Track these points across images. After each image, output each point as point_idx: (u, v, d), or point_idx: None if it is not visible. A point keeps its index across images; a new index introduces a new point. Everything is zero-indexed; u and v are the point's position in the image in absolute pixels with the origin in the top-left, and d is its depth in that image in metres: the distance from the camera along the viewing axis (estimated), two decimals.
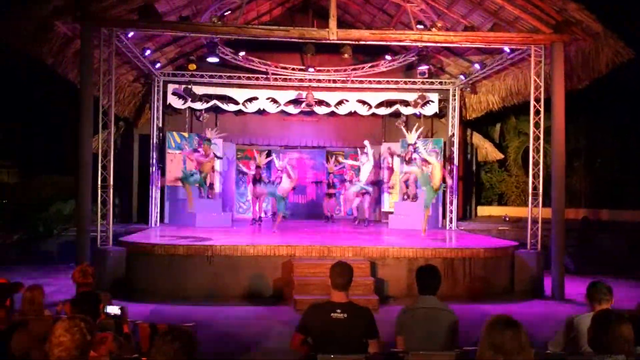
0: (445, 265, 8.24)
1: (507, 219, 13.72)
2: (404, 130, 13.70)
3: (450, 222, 12.80)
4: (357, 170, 12.93)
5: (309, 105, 13.26)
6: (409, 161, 13.03)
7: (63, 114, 14.88)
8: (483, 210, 15.43)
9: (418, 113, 13.55)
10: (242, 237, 9.97)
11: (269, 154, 14.14)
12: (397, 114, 13.99)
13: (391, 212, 13.28)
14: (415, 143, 13.37)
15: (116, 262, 8.33)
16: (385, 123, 14.75)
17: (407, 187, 13.06)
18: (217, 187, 13.17)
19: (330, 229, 12.35)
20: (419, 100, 13.18)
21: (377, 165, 13.78)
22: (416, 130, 13.29)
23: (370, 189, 12.63)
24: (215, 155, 12.11)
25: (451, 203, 12.71)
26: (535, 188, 9.42)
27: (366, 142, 12.83)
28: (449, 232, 11.85)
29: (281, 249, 8.30)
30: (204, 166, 11.26)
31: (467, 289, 8.36)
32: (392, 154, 13.76)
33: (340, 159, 14.28)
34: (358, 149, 13.32)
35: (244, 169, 14.01)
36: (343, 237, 10.31)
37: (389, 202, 14.15)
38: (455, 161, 13.06)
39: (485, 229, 12.64)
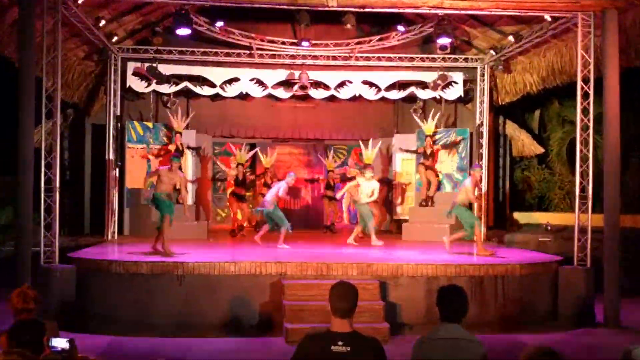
0: (472, 285, 8.25)
1: (549, 227, 13.72)
2: (417, 119, 13.77)
3: None
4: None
5: (303, 88, 13.33)
6: (429, 155, 13.05)
7: None
8: (519, 217, 15.45)
9: (438, 97, 13.66)
10: (220, 251, 10.03)
11: (252, 148, 14.14)
12: (412, 99, 14.06)
13: (405, 220, 13.36)
14: (435, 134, 13.43)
15: (64, 283, 8.32)
16: (397, 110, 14.78)
17: (428, 184, 13.07)
18: (190, 190, 13.18)
19: (330, 241, 12.36)
20: (439, 82, 13.25)
21: (384, 177, 13.83)
22: (433, 117, 13.34)
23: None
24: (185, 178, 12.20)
25: (479, 209, 12.76)
26: (583, 189, 9.43)
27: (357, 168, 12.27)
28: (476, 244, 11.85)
29: (269, 266, 8.31)
30: (163, 181, 10.11)
31: (499, 315, 8.37)
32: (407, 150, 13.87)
33: (333, 161, 14.30)
34: (354, 160, 13.32)
35: (224, 168, 14.07)
36: (346, 251, 10.33)
37: (401, 207, 14.21)
38: (485, 156, 13.13)
39: (521, 240, 12.69)
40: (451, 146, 13.56)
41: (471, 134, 13.56)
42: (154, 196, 9.61)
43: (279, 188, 10.81)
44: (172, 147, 12.99)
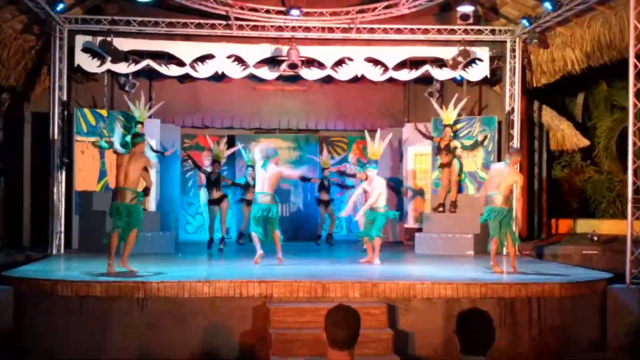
0: (501, 309, 8.26)
1: (596, 238, 13.77)
2: (435, 105, 13.78)
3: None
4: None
5: (292, 66, 13.23)
6: (446, 150, 13.07)
7: None
8: (559, 225, 15.48)
9: (459, 78, 13.72)
10: (191, 268, 9.99)
11: (231, 141, 14.14)
12: (426, 80, 14.09)
13: (419, 230, 13.39)
14: (455, 124, 13.45)
15: None
16: (408, 93, 14.84)
17: (448, 184, 13.08)
18: (153, 193, 13.18)
19: (326, 254, 12.36)
20: (460, 59, 13.14)
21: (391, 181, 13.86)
22: (455, 105, 13.38)
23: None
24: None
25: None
26: (637, 191, 9.47)
27: (371, 174, 11.74)
28: (507, 258, 11.88)
29: (251, 286, 8.31)
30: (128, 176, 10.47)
31: (534, 345, 8.37)
32: (422, 132, 13.84)
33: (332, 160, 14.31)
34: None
35: (195, 165, 14.01)
36: (346, 268, 10.32)
37: (414, 213, 14.24)
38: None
39: (561, 254, 12.73)
40: (474, 143, 13.59)
41: (499, 124, 13.60)
42: (114, 206, 9.39)
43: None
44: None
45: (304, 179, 14.14)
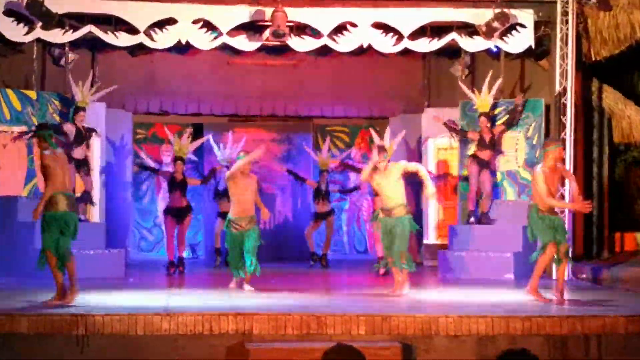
0: (550, 349, 8.22)
1: None
2: (463, 86, 13.79)
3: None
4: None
5: (277, 35, 13.23)
6: (486, 144, 13.07)
7: None
8: (624, 240, 15.50)
9: (495, 49, 13.72)
10: (147, 297, 9.99)
11: (198, 131, 14.10)
12: (453, 52, 14.15)
13: (443, 246, 13.39)
14: (493, 111, 13.44)
15: None
16: (429, 69, 14.84)
17: (479, 188, 13.09)
18: (97, 199, 13.24)
19: (323, 280, 12.36)
20: (496, 24, 13.11)
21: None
22: (489, 86, 13.35)
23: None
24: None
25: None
26: None
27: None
28: (552, 282, 11.91)
29: (225, 321, 8.25)
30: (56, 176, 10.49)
31: None
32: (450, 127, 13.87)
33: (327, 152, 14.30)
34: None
35: (150, 163, 14.08)
36: (348, 297, 10.43)
37: (437, 226, 14.26)
38: (569, 142, 13.07)
39: (629, 277, 12.64)
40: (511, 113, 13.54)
41: (547, 109, 13.58)
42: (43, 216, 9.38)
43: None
44: (70, 129, 12.99)
45: (297, 176, 14.13)
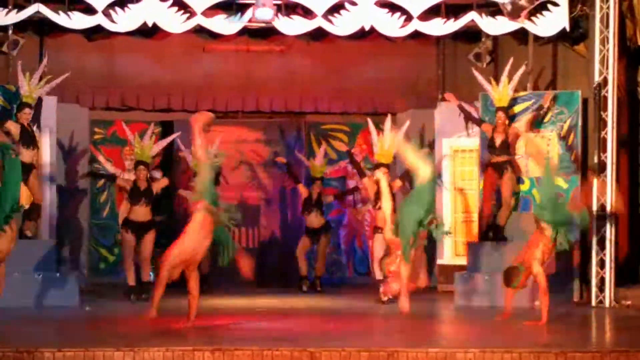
0: None
1: None
2: (479, 76, 13.99)
3: (600, 290, 13.17)
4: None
5: (263, 15, 13.43)
6: (502, 145, 13.42)
7: None
8: None
9: (522, 32, 13.86)
10: (107, 328, 10.36)
11: (166, 130, 14.40)
12: (472, 35, 14.43)
13: (461, 267, 13.67)
14: (513, 106, 13.74)
15: None
16: (443, 56, 15.16)
17: (494, 199, 13.35)
18: (45, 212, 13.55)
19: (317, 307, 12.88)
20: (522, 2, 13.41)
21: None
22: (509, 75, 13.61)
23: None
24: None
25: (600, 247, 13.11)
26: None
27: None
28: (597, 314, 12.25)
29: (200, 357, 8.45)
30: None
31: None
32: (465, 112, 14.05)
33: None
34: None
35: (108, 170, 14.39)
36: (346, 329, 10.62)
37: (453, 243, 14.58)
38: (610, 143, 13.33)
39: None
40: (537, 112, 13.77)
41: (584, 102, 13.71)
42: None
43: None
44: (13, 129, 13.15)
45: (290, 173, 14.36)
